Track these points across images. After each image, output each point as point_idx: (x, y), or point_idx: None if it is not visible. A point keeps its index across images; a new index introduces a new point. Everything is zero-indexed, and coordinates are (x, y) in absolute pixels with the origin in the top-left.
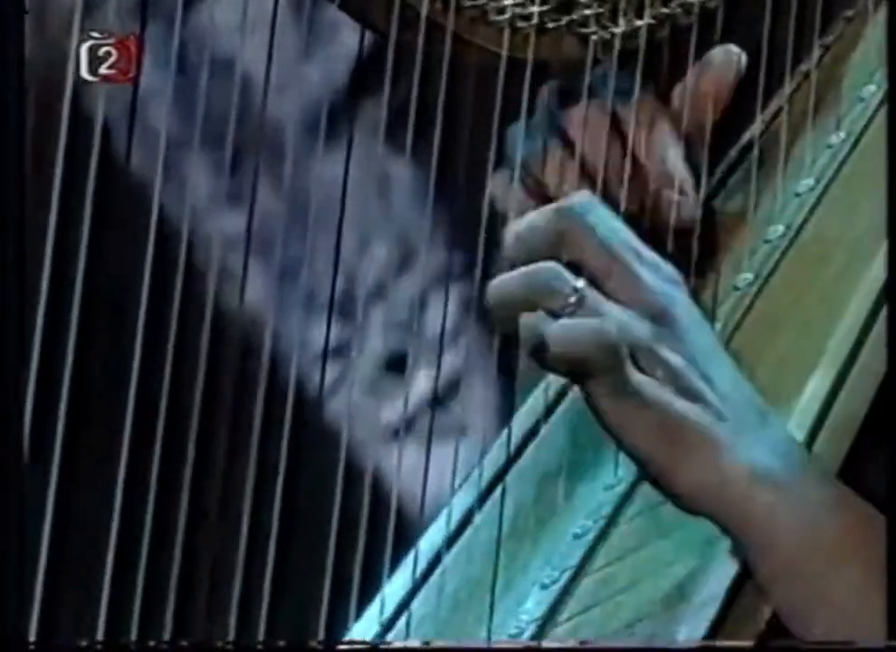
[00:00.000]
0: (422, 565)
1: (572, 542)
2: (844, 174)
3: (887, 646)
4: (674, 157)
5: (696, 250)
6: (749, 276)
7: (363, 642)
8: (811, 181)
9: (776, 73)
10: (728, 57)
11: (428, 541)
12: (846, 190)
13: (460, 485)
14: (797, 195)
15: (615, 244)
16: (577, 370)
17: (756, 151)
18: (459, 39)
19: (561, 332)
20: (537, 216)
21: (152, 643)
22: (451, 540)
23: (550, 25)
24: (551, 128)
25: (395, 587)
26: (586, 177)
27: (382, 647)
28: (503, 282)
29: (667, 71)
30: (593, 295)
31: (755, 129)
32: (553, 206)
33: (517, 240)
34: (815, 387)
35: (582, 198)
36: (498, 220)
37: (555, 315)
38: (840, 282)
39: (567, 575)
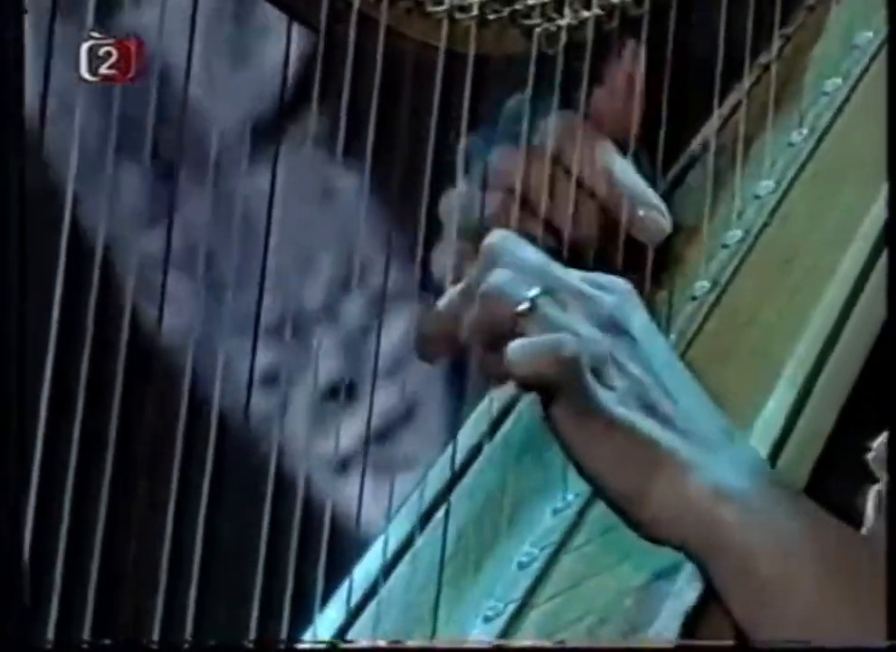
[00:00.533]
0: (357, 596)
1: (517, 573)
2: (808, 173)
3: (888, 645)
4: (622, 172)
5: (650, 258)
6: (706, 284)
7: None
8: (771, 182)
9: (734, 66)
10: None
11: (364, 570)
12: (810, 191)
13: (398, 509)
14: (757, 197)
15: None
16: (540, 390)
17: (712, 151)
18: (393, 32)
19: (520, 350)
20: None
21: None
22: (388, 569)
23: (491, 17)
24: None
25: (327, 619)
26: (530, 218)
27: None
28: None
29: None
30: (548, 303)
31: (711, 126)
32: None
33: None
34: (780, 398)
35: (502, 233)
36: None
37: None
38: (805, 288)
39: (511, 608)
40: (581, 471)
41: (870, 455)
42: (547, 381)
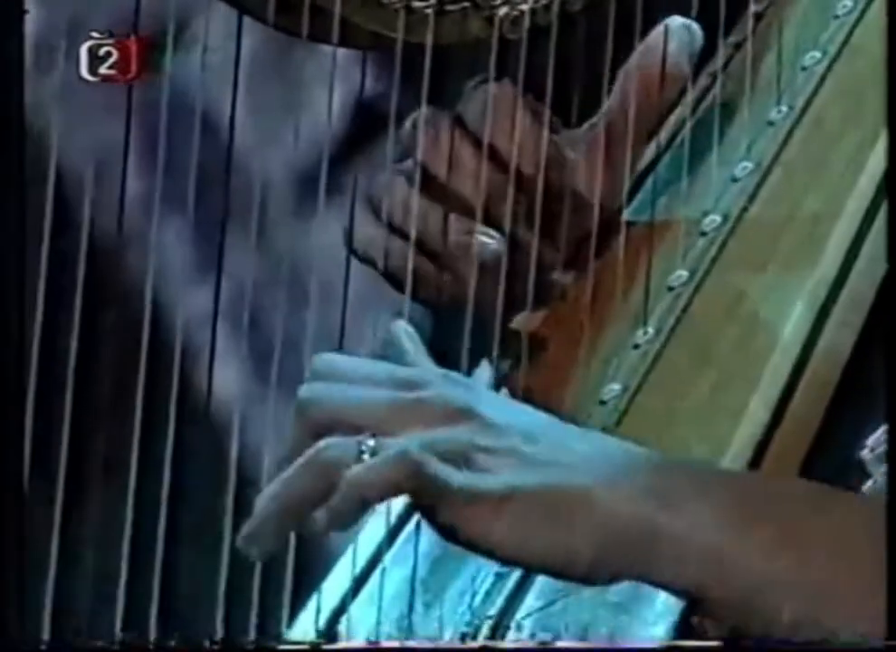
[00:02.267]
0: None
1: (494, 584)
2: (789, 153)
3: (887, 645)
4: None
5: (621, 248)
6: (684, 274)
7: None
8: (750, 164)
9: (708, 45)
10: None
11: (332, 583)
12: (792, 171)
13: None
14: (735, 180)
15: (359, 397)
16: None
17: (686, 134)
18: (348, 23)
19: (359, 474)
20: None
21: None
22: (357, 583)
23: (451, 7)
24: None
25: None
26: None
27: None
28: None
29: (583, 48)
30: (384, 442)
31: (685, 108)
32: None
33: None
34: (765, 387)
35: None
36: None
37: None
38: (788, 274)
39: (488, 624)
40: (500, 560)
41: (864, 452)
42: (408, 493)
